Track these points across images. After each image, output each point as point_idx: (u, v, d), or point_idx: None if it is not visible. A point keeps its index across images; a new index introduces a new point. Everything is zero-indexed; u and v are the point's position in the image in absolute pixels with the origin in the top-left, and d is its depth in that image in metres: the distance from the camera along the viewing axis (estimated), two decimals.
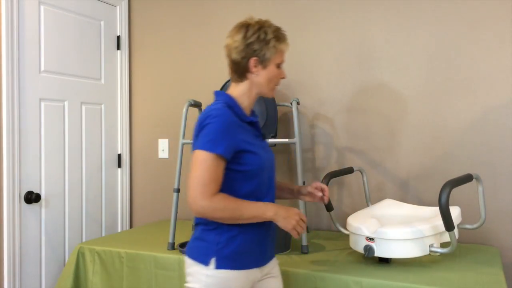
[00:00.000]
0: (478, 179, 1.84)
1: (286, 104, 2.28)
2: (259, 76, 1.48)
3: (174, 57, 2.84)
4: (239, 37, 1.46)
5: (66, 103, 2.51)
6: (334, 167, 2.43)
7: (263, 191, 1.47)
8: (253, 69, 1.47)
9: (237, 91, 1.50)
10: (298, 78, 2.51)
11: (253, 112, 1.59)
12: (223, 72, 2.69)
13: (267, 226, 1.48)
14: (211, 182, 1.33)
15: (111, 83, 2.84)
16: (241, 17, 2.64)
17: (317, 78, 2.47)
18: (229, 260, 1.39)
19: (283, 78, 1.53)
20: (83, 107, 2.62)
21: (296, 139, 2.04)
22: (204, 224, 1.44)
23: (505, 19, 2.10)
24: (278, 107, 2.34)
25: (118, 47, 2.88)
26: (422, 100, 2.25)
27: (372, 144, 2.36)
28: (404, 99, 2.29)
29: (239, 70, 1.48)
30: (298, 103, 2.19)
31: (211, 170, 1.34)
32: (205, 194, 1.33)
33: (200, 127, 1.38)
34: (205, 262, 1.38)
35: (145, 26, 2.91)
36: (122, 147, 2.89)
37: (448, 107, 2.21)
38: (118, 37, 2.88)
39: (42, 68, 2.37)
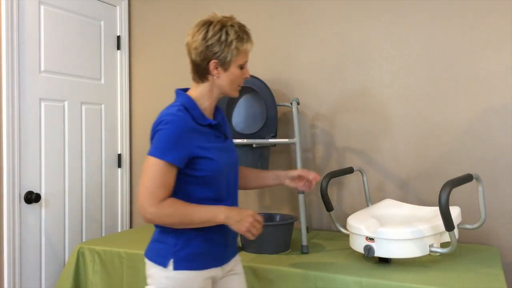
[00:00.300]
0: (478, 179, 1.84)
1: (286, 104, 2.28)
2: (220, 79, 1.43)
3: (174, 57, 2.84)
4: (199, 37, 1.40)
5: (66, 103, 2.51)
6: (334, 167, 2.43)
7: (223, 196, 1.45)
8: (214, 72, 1.42)
9: (198, 92, 1.45)
10: (298, 78, 2.51)
11: (217, 110, 1.54)
12: None
13: (225, 227, 1.44)
14: (159, 188, 1.31)
15: (111, 83, 2.84)
16: (241, 17, 2.64)
17: (317, 78, 2.47)
18: (187, 261, 1.38)
19: (246, 78, 1.48)
20: (83, 107, 2.62)
21: (296, 139, 2.04)
22: (161, 227, 1.42)
23: (505, 19, 2.10)
24: (278, 107, 2.34)
25: (118, 47, 2.88)
26: (422, 100, 2.25)
27: (372, 144, 2.36)
28: (404, 99, 2.29)
29: (199, 71, 1.43)
30: (298, 103, 2.19)
31: (160, 176, 1.31)
32: (152, 201, 1.31)
33: (154, 132, 1.36)
34: (164, 264, 1.38)
35: (145, 26, 2.91)
36: (122, 147, 2.89)
37: (448, 107, 2.21)
38: (118, 37, 2.88)
39: (42, 68, 2.37)
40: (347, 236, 2.26)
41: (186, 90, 1.49)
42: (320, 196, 2.22)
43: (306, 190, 1.64)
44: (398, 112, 2.30)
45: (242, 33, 1.42)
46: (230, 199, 1.48)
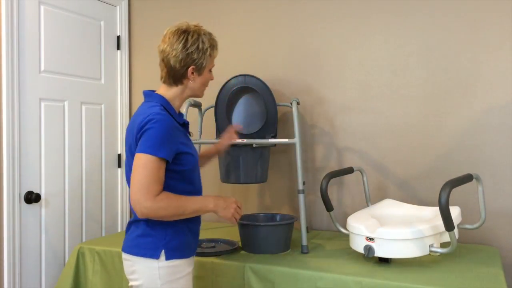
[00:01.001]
0: (478, 179, 1.84)
1: (286, 104, 2.28)
2: (194, 82, 1.57)
3: None
4: (179, 46, 1.51)
5: (66, 103, 2.51)
6: (334, 167, 2.43)
7: (198, 188, 1.59)
8: (191, 76, 1.55)
9: (170, 93, 1.57)
10: (298, 78, 2.51)
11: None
12: (223, 72, 2.69)
13: (199, 218, 1.61)
14: (154, 183, 1.39)
15: (111, 83, 2.84)
16: (241, 17, 2.64)
17: (317, 78, 2.47)
18: (177, 251, 1.49)
19: (211, 80, 1.63)
20: (83, 107, 2.62)
21: (296, 139, 2.04)
22: (146, 221, 1.49)
23: (505, 19, 2.10)
24: (278, 107, 2.34)
25: (118, 47, 2.88)
26: (422, 100, 2.25)
27: (372, 144, 2.36)
28: (404, 99, 2.29)
29: (176, 76, 1.55)
30: (298, 103, 2.19)
31: (154, 172, 1.39)
32: (148, 195, 1.37)
33: (142, 130, 1.43)
34: (156, 256, 1.46)
35: (145, 26, 2.91)
36: (122, 147, 2.89)
37: (448, 107, 2.21)
38: (118, 37, 2.88)
39: (42, 68, 2.37)
40: (347, 236, 2.25)
41: (153, 91, 1.59)
42: (320, 196, 2.22)
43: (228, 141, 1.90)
44: (398, 112, 2.30)
45: (213, 41, 1.59)
46: (201, 191, 1.63)
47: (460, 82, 2.18)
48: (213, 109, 2.57)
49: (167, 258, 1.46)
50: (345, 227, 2.40)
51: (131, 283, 1.52)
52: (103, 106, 2.77)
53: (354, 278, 1.61)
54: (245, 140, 2.10)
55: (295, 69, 2.52)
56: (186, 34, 1.53)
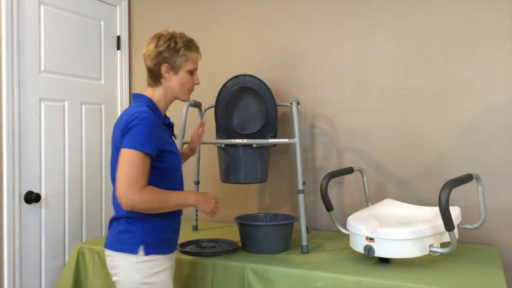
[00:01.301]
0: (478, 179, 1.84)
1: (286, 104, 2.28)
2: (171, 81, 1.65)
3: None
4: (151, 46, 1.64)
5: (66, 103, 2.51)
6: (334, 167, 2.43)
7: (178, 186, 1.67)
8: (165, 75, 1.64)
9: (155, 95, 1.67)
10: (298, 78, 2.51)
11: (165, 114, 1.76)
12: (223, 72, 2.69)
13: (179, 216, 1.68)
14: (140, 177, 1.46)
15: (111, 83, 2.84)
16: (241, 17, 2.64)
17: (317, 78, 2.47)
18: (155, 247, 1.56)
19: (197, 84, 1.70)
20: (83, 107, 2.62)
21: (296, 139, 2.04)
22: (127, 218, 1.56)
23: (505, 19, 2.10)
24: (278, 107, 2.34)
25: (118, 47, 2.88)
26: (422, 100, 2.25)
27: (372, 144, 2.36)
28: (404, 99, 2.29)
29: (154, 76, 1.66)
30: (298, 103, 2.19)
31: (140, 166, 1.47)
32: (135, 189, 1.45)
33: (128, 127, 1.50)
34: (134, 251, 1.53)
35: (145, 26, 2.91)
36: None
37: (448, 107, 2.21)
38: (118, 37, 2.88)
39: (42, 68, 2.37)
40: (347, 236, 2.25)
41: (140, 94, 1.67)
42: (320, 196, 2.22)
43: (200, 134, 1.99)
44: (398, 112, 2.30)
45: (190, 43, 1.67)
46: (182, 189, 1.71)
47: (460, 82, 2.18)
48: (213, 109, 2.57)
49: (146, 253, 1.53)
50: (345, 227, 2.40)
51: (113, 278, 1.58)
52: (103, 106, 2.77)
53: (354, 278, 1.61)
54: (245, 140, 2.10)
55: (295, 69, 2.52)
56: (159, 36, 1.66)
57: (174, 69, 1.65)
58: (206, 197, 1.63)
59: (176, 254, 1.82)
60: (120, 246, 1.55)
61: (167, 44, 1.63)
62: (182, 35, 1.67)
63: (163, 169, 1.57)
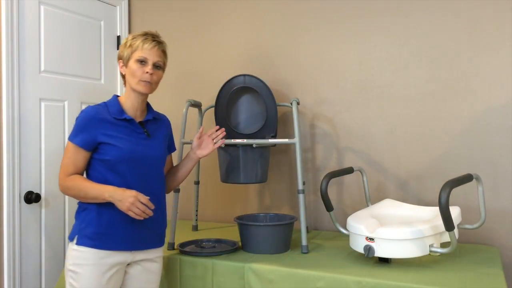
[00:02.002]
0: (478, 179, 1.84)
1: (286, 104, 2.28)
2: (126, 75, 1.71)
3: (174, 57, 2.84)
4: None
5: (66, 103, 2.51)
6: (334, 167, 2.43)
7: (128, 181, 1.63)
8: (121, 69, 1.73)
9: (125, 94, 1.74)
10: (298, 78, 2.51)
11: (149, 112, 1.77)
12: (223, 72, 2.69)
13: (124, 213, 1.59)
14: (68, 165, 1.61)
15: (111, 83, 2.84)
16: (241, 17, 2.64)
17: (317, 78, 2.47)
18: (88, 239, 1.60)
19: (148, 72, 1.67)
20: (83, 107, 2.62)
21: (296, 139, 2.04)
22: (77, 207, 1.68)
23: (505, 19, 2.10)
24: (278, 107, 2.34)
25: (118, 47, 2.88)
26: (422, 100, 2.25)
27: (372, 144, 2.36)
28: (404, 99, 2.29)
29: (121, 76, 1.76)
30: (298, 103, 2.19)
31: (69, 156, 1.61)
32: (62, 175, 1.61)
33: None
34: (71, 239, 1.63)
35: (145, 26, 2.91)
36: None
37: (448, 107, 2.21)
38: (118, 37, 2.88)
39: (42, 68, 2.37)
40: (347, 236, 2.25)
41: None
42: (320, 196, 2.22)
43: (217, 144, 1.90)
44: (398, 112, 2.30)
45: (137, 35, 1.70)
46: (133, 186, 1.64)
47: (460, 82, 2.18)
48: (213, 109, 2.57)
49: (77, 243, 1.60)
50: (345, 227, 2.40)
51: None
52: None
53: (354, 278, 1.61)
54: (245, 140, 2.10)
55: (295, 69, 2.52)
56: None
57: (125, 62, 1.70)
58: (122, 195, 1.55)
59: (158, 253, 1.78)
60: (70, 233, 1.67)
61: (123, 43, 1.72)
62: (140, 32, 1.72)
63: (103, 161, 1.62)
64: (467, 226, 1.92)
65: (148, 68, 1.67)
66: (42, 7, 2.37)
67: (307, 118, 2.49)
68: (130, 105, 1.72)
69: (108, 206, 1.60)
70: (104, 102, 1.71)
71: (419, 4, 2.25)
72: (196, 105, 2.35)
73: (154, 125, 1.79)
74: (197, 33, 2.77)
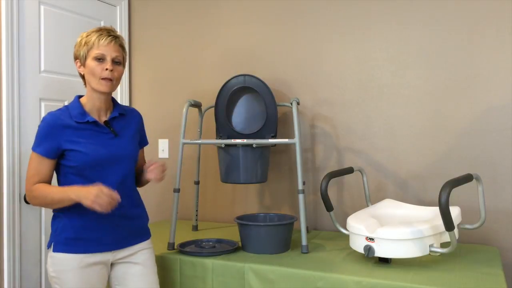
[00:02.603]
0: (478, 179, 1.84)
1: (286, 104, 2.28)
2: (85, 75, 1.63)
3: (174, 57, 2.84)
4: None
5: (66, 103, 2.51)
6: (334, 167, 2.43)
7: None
8: (79, 70, 1.65)
9: (87, 94, 1.67)
10: (298, 78, 2.51)
11: (116, 109, 1.71)
12: (223, 72, 2.69)
13: (100, 215, 1.60)
14: (33, 175, 1.59)
15: None
16: (241, 17, 2.64)
17: (317, 78, 2.47)
18: (63, 245, 1.60)
19: (107, 69, 1.59)
20: None
21: (296, 139, 2.04)
22: (53, 214, 1.67)
23: (505, 19, 2.10)
24: (278, 107, 2.34)
25: None
26: (422, 100, 2.25)
27: (372, 144, 2.36)
28: (404, 99, 2.29)
29: (81, 77, 1.69)
30: (298, 103, 2.19)
31: (34, 166, 1.59)
32: (27, 186, 1.59)
33: None
34: (49, 247, 1.64)
35: (145, 26, 2.91)
36: None
37: (448, 107, 2.21)
38: None
39: (42, 68, 2.37)
40: (347, 236, 2.26)
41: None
42: (320, 196, 2.22)
43: (156, 179, 1.71)
44: (398, 112, 2.30)
45: (95, 32, 1.62)
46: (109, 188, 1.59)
47: (460, 82, 2.18)
48: (213, 109, 2.57)
49: (54, 250, 1.61)
50: (345, 227, 2.40)
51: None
52: None
53: (354, 278, 1.61)
54: (245, 140, 2.10)
55: (295, 69, 2.52)
56: None
57: (82, 61, 1.63)
58: (86, 191, 1.49)
59: (148, 254, 1.76)
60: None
61: (77, 42, 1.64)
62: (92, 31, 1.64)
63: (72, 167, 1.59)
64: (467, 226, 1.92)
65: (108, 64, 1.60)
66: (42, 7, 2.37)
67: (307, 118, 2.49)
68: (93, 105, 1.65)
69: (79, 210, 1.58)
70: (66, 106, 1.65)
71: (419, 4, 2.25)
72: (196, 105, 2.35)
73: (121, 121, 1.72)
74: (197, 32, 2.77)
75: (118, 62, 1.64)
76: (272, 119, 2.19)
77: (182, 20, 2.81)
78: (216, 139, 2.23)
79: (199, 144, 2.36)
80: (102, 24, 2.76)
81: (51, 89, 2.41)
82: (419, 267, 1.71)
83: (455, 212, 1.81)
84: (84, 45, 1.61)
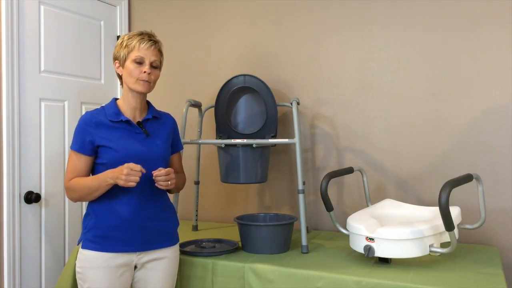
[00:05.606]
0: (478, 179, 1.84)
1: (286, 104, 2.28)
2: (124, 76, 1.70)
3: (174, 57, 2.84)
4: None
5: (66, 103, 2.51)
6: (334, 167, 2.44)
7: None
8: (117, 71, 1.72)
9: (122, 95, 1.74)
10: (298, 78, 2.51)
11: (150, 111, 1.76)
12: (223, 72, 2.69)
13: (128, 217, 1.63)
14: (70, 171, 1.66)
15: (111, 83, 2.84)
16: (241, 17, 2.64)
17: (317, 78, 2.47)
18: (91, 242, 1.64)
19: (145, 72, 1.66)
20: (83, 107, 2.62)
21: (296, 139, 2.04)
22: (85, 213, 1.73)
23: (505, 19, 2.10)
24: (278, 107, 2.34)
25: None
26: (422, 100, 2.25)
27: (372, 144, 2.36)
28: (404, 99, 2.29)
29: (118, 77, 1.75)
30: (298, 103, 2.19)
31: (70, 162, 1.67)
32: (65, 181, 1.66)
33: None
34: (78, 243, 1.69)
35: (145, 26, 2.91)
36: None
37: (448, 107, 2.21)
38: (118, 37, 2.88)
39: (42, 68, 2.37)
40: (347, 236, 2.26)
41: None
42: (320, 196, 2.22)
43: (159, 185, 1.66)
44: (398, 112, 2.30)
45: (133, 35, 1.69)
46: (138, 189, 1.65)
47: (460, 82, 2.18)
48: (213, 109, 2.57)
49: (83, 247, 1.65)
50: (345, 227, 2.40)
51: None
52: None
53: (354, 278, 1.61)
54: (245, 140, 2.10)
55: (295, 69, 2.52)
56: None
57: (121, 62, 1.70)
58: (117, 172, 1.56)
59: (143, 255, 1.71)
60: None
61: (118, 43, 1.72)
62: (135, 32, 1.71)
63: (103, 164, 1.64)
64: (467, 226, 1.93)
65: (146, 67, 1.67)
66: (42, 7, 2.37)
67: (307, 118, 2.49)
68: (128, 105, 1.72)
69: (109, 210, 1.64)
70: (102, 106, 1.72)
71: (419, 5, 2.25)
72: (196, 105, 2.35)
73: (155, 124, 1.77)
74: (197, 33, 2.77)
75: (156, 66, 1.71)
76: (272, 119, 2.19)
77: (182, 20, 2.81)
78: (216, 139, 2.23)
79: (199, 144, 2.36)
80: (102, 24, 2.76)
81: (51, 89, 2.41)
82: (419, 267, 1.71)
83: (455, 212, 1.81)
84: (125, 47, 1.68)
